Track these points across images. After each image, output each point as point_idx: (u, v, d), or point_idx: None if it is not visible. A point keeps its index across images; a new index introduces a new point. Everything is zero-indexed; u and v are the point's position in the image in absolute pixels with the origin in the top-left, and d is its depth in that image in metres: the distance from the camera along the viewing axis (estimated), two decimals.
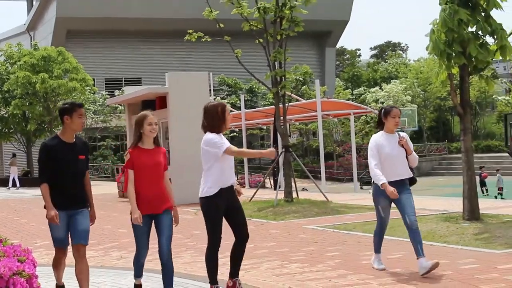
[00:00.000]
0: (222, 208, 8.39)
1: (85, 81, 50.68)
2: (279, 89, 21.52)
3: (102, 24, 68.93)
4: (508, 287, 8.47)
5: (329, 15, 72.77)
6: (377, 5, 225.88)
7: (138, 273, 8.60)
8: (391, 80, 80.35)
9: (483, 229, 13.29)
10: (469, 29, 14.49)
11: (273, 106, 23.25)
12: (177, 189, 23.02)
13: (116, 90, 60.19)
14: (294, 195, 22.23)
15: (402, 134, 9.81)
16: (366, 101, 73.26)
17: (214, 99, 43.94)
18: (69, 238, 8.06)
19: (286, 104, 22.86)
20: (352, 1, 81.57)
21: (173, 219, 8.39)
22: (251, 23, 21.62)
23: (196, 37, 22.53)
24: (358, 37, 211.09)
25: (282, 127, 22.70)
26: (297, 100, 40.08)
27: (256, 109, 47.38)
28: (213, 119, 8.41)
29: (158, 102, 26.25)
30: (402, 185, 9.54)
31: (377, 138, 9.77)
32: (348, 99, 65.06)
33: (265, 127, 54.25)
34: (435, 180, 56.05)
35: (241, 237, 8.53)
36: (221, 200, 8.35)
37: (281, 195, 21.85)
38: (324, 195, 21.90)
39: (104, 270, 11.35)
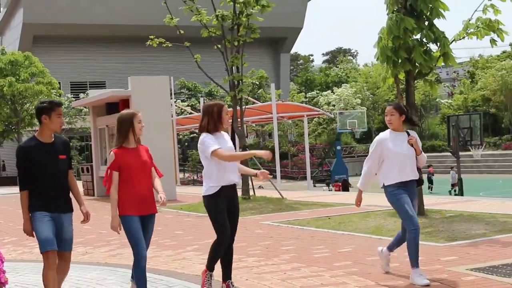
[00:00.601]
0: (224, 205, 7.96)
1: (51, 84, 50.49)
2: (237, 92, 21.55)
3: (68, 30, 68.67)
4: (450, 277, 8.56)
5: (283, 23, 73.01)
6: (329, 13, 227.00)
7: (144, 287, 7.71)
8: (342, 84, 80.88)
9: (427, 224, 13.40)
10: (414, 36, 14.62)
11: (231, 109, 23.26)
12: None
13: (81, 93, 59.96)
14: (251, 192, 22.27)
15: (411, 133, 8.64)
16: (319, 104, 73.66)
17: (175, 101, 43.82)
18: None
19: (243, 107, 22.91)
20: (305, 9, 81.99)
21: (161, 199, 7.50)
22: (209, 29, 21.62)
23: (157, 42, 22.47)
24: (311, 44, 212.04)
25: (240, 128, 22.76)
26: (254, 103, 40.15)
27: None
28: (209, 119, 7.96)
29: (121, 105, 26.10)
30: (412, 187, 8.57)
31: (382, 137, 8.63)
32: (302, 102, 65.36)
33: None
34: None
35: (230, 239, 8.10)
36: (222, 197, 7.93)
37: (239, 193, 21.82)
38: (279, 193, 21.96)
39: (71, 265, 11.23)
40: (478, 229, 12.42)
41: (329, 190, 40.10)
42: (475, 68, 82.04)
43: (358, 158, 68.83)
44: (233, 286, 8.09)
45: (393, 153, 8.37)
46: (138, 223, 7.45)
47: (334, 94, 75.51)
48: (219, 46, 21.77)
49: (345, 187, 42.56)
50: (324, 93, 78.79)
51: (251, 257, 10.91)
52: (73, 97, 59.48)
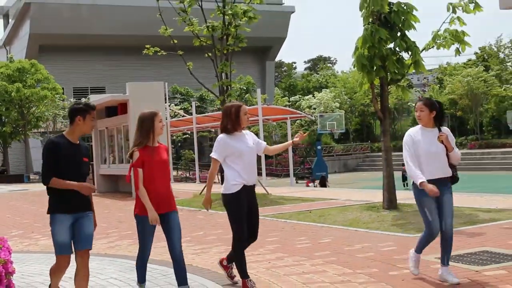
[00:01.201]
0: (243, 205, 7.50)
1: (55, 89, 50.53)
2: (226, 97, 21.55)
3: (71, 40, 68.82)
4: (421, 266, 8.57)
5: (269, 33, 73.09)
6: (310, 24, 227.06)
7: (142, 278, 7.42)
8: (322, 89, 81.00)
9: (399, 217, 13.45)
10: (388, 46, 14.67)
11: (221, 112, 23.24)
12: None
13: (83, 98, 59.61)
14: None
15: (443, 129, 7.58)
16: (301, 107, 73.70)
17: (169, 105, 43.76)
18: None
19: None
20: (289, 21, 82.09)
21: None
22: (201, 39, 21.61)
23: (153, 51, 22.44)
24: (294, 52, 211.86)
25: None
26: None
27: (206, 114, 47.36)
28: (226, 120, 7.51)
29: (119, 108, 26.20)
30: (444, 185, 7.47)
31: (413, 133, 7.60)
32: (285, 106, 65.41)
33: (213, 130, 54.16)
34: (359, 175, 56.61)
35: (251, 238, 7.75)
36: (243, 196, 7.46)
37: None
38: (264, 189, 21.97)
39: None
40: None
41: (314, 186, 40.15)
42: (443, 74, 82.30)
43: (337, 157, 69.07)
44: (231, 270, 8.00)
45: (422, 150, 7.41)
46: (153, 225, 7.06)
47: (315, 98, 75.62)
48: (210, 54, 21.80)
49: (323, 183, 42.60)
50: (306, 97, 78.84)
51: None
52: (75, 101, 59.32)
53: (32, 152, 60.45)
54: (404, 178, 42.35)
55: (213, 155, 7.47)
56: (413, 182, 7.55)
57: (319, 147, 54.42)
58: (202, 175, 40.83)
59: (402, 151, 7.68)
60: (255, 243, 7.76)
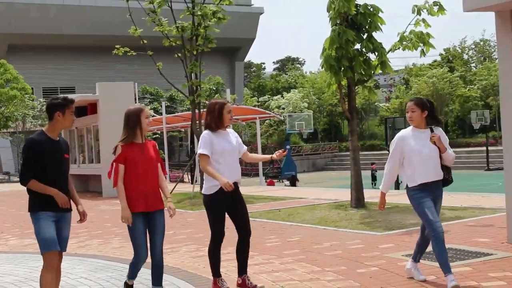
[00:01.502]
0: (223, 204, 7.28)
1: (24, 89, 50.04)
2: (195, 97, 21.55)
3: (40, 40, 68.23)
4: (387, 263, 8.65)
5: (238, 34, 73.12)
6: (279, 25, 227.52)
7: (133, 275, 7.18)
8: (291, 90, 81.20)
9: (367, 215, 13.52)
10: (355, 47, 14.74)
11: (190, 112, 23.23)
12: (107, 183, 22.91)
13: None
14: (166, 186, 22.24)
15: (436, 129, 7.20)
16: (270, 107, 73.81)
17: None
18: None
19: (201, 110, 22.87)
20: (258, 22, 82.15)
21: (170, 211, 6.95)
22: (170, 39, 21.57)
23: (122, 51, 22.36)
24: (263, 53, 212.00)
25: (198, 129, 22.69)
26: None
27: (176, 114, 47.20)
28: (210, 117, 7.30)
29: (89, 108, 26.05)
30: (437, 188, 7.19)
31: (403, 135, 7.26)
32: (255, 106, 65.51)
33: (183, 130, 54.00)
34: (328, 174, 56.78)
35: (244, 233, 7.56)
36: (222, 196, 7.18)
37: (197, 188, 21.81)
38: None
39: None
40: (412, 219, 12.54)
41: (285, 186, 40.22)
42: (410, 75, 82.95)
43: (306, 157, 69.25)
44: (249, 280, 7.55)
45: (415, 152, 7.03)
46: (142, 223, 6.78)
47: (283, 98, 75.82)
48: (179, 54, 21.76)
49: (293, 183, 42.69)
50: (275, 97, 79.02)
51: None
52: (45, 101, 58.56)
53: (0, 152, 59.80)
54: (373, 178, 42.55)
55: (201, 151, 7.22)
56: (406, 185, 7.27)
57: (287, 147, 54.49)
58: (172, 174, 40.73)
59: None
60: (224, 242, 7.72)
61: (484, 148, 53.81)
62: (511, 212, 9.59)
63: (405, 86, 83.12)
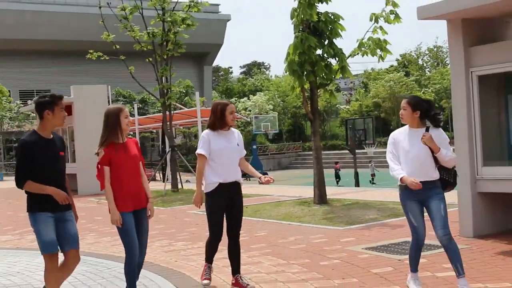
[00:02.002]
0: (222, 203, 7.04)
1: (1, 92, 49.58)
2: (166, 99, 21.50)
3: (17, 45, 67.70)
4: (348, 256, 8.70)
5: (206, 39, 73.06)
6: (245, 31, 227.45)
7: (133, 284, 6.46)
8: (257, 92, 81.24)
9: (329, 211, 13.57)
10: (317, 52, 14.79)
11: (162, 113, 23.15)
12: (82, 181, 22.78)
13: (29, 100, 58.60)
14: (180, 186, 22.20)
15: (432, 130, 6.55)
16: (237, 109, 73.69)
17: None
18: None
19: (172, 112, 22.82)
20: (225, 28, 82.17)
21: (148, 211, 6.66)
22: (142, 45, 21.49)
23: (96, 56, 22.22)
24: (230, 57, 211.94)
25: (169, 130, 22.67)
26: (181, 108, 39.94)
27: (147, 116, 46.98)
28: (212, 117, 7.03)
29: (65, 111, 25.73)
30: (431, 189, 6.49)
31: (396, 133, 6.76)
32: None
33: (155, 131, 53.76)
34: (292, 172, 56.89)
35: (232, 234, 7.27)
36: (220, 195, 6.98)
37: (168, 186, 21.77)
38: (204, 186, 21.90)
39: (20, 251, 11.02)
40: (371, 214, 12.64)
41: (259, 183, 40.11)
42: (368, 79, 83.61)
43: (271, 156, 69.33)
44: (242, 279, 7.22)
45: (403, 151, 6.54)
46: (131, 220, 6.37)
47: (250, 101, 75.81)
48: (150, 59, 21.72)
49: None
50: (242, 100, 78.95)
51: (180, 241, 10.87)
52: (22, 104, 58.05)
53: None
54: (337, 176, 42.74)
55: (199, 151, 7.00)
56: (399, 185, 6.72)
57: (254, 147, 54.65)
58: (145, 173, 40.49)
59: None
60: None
61: None
62: (462, 208, 9.73)
63: (364, 89, 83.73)
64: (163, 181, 25.43)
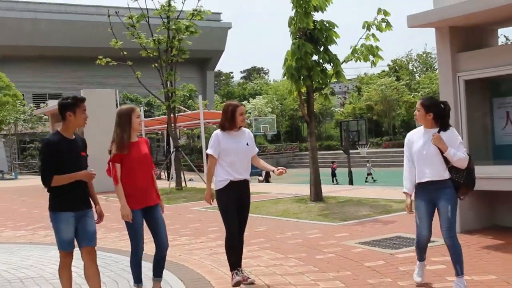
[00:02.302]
0: (233, 200, 6.86)
1: (16, 96, 49.58)
2: (171, 102, 21.52)
3: (31, 51, 67.85)
4: (343, 250, 8.70)
5: (209, 46, 73.00)
6: (246, 38, 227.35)
7: (138, 279, 6.44)
8: (256, 96, 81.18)
9: (325, 208, 13.57)
10: (313, 58, 14.80)
11: (166, 116, 23.16)
12: (93, 183, 22.74)
13: (41, 103, 58.57)
14: (183, 184, 22.20)
15: (447, 131, 6.27)
16: None
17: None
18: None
19: (176, 114, 22.81)
20: (226, 35, 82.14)
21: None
22: (148, 51, 21.49)
23: (105, 61, 22.21)
24: (231, 63, 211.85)
25: (174, 132, 22.68)
26: (185, 111, 39.92)
27: (153, 118, 46.94)
28: (223, 117, 6.91)
29: None
30: (440, 189, 6.19)
31: (411, 134, 6.56)
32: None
33: (160, 132, 53.72)
34: (290, 171, 56.58)
35: (238, 231, 7.04)
36: (231, 192, 6.82)
37: (173, 184, 21.80)
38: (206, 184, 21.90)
39: (33, 245, 11.01)
40: (364, 211, 12.64)
41: (258, 181, 40.15)
42: (361, 83, 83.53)
43: (270, 156, 69.16)
44: (242, 272, 7.02)
45: (415, 151, 6.33)
46: (140, 217, 6.28)
47: (250, 104, 75.75)
48: (156, 64, 21.73)
49: (267, 179, 42.66)
50: (242, 103, 78.90)
51: (183, 236, 10.86)
52: (35, 107, 58.07)
53: None
54: (334, 175, 42.68)
55: (208, 151, 6.89)
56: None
57: None
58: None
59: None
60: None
61: None
62: None
63: (357, 93, 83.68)
64: (168, 180, 25.44)
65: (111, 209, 15.50)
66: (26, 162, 57.60)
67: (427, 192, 6.22)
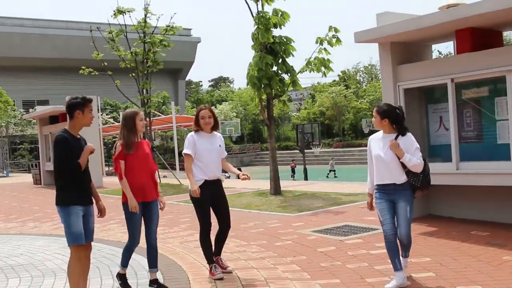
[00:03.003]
0: (207, 197, 6.55)
1: (7, 102, 48.84)
2: (146, 108, 21.34)
3: (21, 62, 67.16)
4: (299, 237, 8.73)
5: (180, 58, 72.70)
6: (213, 51, 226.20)
7: (125, 263, 6.34)
8: (223, 102, 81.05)
9: (283, 200, 13.61)
10: (273, 69, 14.82)
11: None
12: None
13: (30, 109, 57.60)
14: (158, 180, 22.04)
15: (404, 137, 5.91)
16: None
17: (101, 115, 42.72)
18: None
19: (152, 118, 22.63)
20: (196, 49, 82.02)
21: (160, 204, 6.43)
22: (126, 62, 21.31)
23: (88, 71, 21.95)
24: (200, 73, 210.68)
25: (149, 134, 22.49)
26: (159, 115, 39.73)
27: None
28: (194, 120, 6.70)
29: (61, 117, 25.47)
30: (399, 191, 5.84)
31: (371, 138, 6.16)
32: (194, 115, 65.09)
33: None
34: (252, 169, 56.79)
35: (224, 226, 6.82)
36: (206, 190, 6.51)
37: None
38: (178, 180, 21.79)
39: (23, 236, 10.82)
40: (317, 203, 12.71)
41: (225, 178, 39.95)
42: (315, 91, 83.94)
43: (235, 155, 69.08)
44: (221, 261, 6.82)
45: (374, 155, 5.97)
46: (140, 212, 6.14)
47: (217, 109, 75.55)
48: (133, 74, 21.55)
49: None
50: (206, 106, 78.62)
51: (158, 227, 10.75)
52: (24, 111, 57.03)
53: None
54: (293, 171, 42.58)
55: (185, 151, 6.60)
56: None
57: None
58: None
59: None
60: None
61: None
62: None
63: (311, 100, 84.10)
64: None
65: (104, 203, 15.31)
66: (17, 161, 56.79)
67: (386, 193, 5.88)
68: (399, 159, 5.79)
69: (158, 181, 6.63)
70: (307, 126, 44.66)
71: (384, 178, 5.88)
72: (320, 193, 14.68)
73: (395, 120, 5.90)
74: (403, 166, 5.82)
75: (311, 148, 47.60)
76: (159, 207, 6.39)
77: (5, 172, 46.57)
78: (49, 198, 18.32)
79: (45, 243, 9.72)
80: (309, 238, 8.61)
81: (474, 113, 8.96)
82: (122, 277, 6.34)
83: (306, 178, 35.85)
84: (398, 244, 5.87)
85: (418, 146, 5.88)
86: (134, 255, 8.01)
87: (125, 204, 6.15)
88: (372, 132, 64.49)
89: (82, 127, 5.58)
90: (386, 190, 5.89)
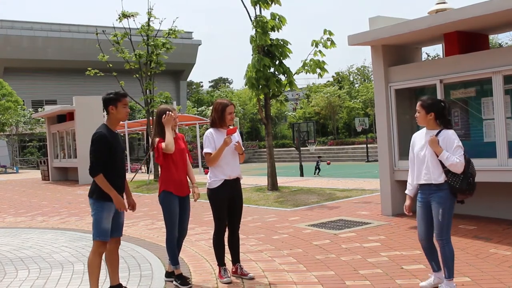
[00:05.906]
0: (225, 197, 6.01)
1: (17, 102, 48.76)
2: (149, 107, 21.36)
3: (30, 63, 67.07)
4: (295, 231, 8.72)
5: (182, 59, 72.83)
6: (213, 53, 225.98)
7: (176, 260, 5.99)
8: None
9: (280, 196, 13.60)
10: (270, 70, 14.81)
11: (146, 119, 22.94)
12: (82, 173, 22.43)
13: (39, 108, 57.62)
14: (152, 177, 22.05)
15: (443, 132, 5.18)
16: (207, 115, 73.34)
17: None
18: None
19: (154, 117, 22.61)
20: (197, 51, 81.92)
21: (195, 195, 6.10)
22: (130, 64, 21.29)
23: (93, 72, 21.95)
24: (201, 74, 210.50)
25: (151, 132, 22.44)
26: None
27: (135, 120, 46.53)
28: (214, 114, 6.08)
29: (68, 116, 25.51)
30: (434, 192, 5.16)
31: (415, 135, 5.47)
32: (195, 114, 65.16)
33: (141, 132, 53.25)
34: (251, 165, 56.92)
35: (232, 228, 6.22)
36: (224, 190, 5.99)
37: (151, 176, 21.59)
38: None
39: (32, 229, 10.80)
40: (313, 198, 12.70)
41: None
42: (310, 91, 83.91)
43: None
44: (241, 268, 6.21)
45: (415, 153, 5.33)
46: (177, 206, 5.91)
47: None
48: (137, 75, 21.55)
49: None
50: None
51: (160, 221, 10.72)
52: (33, 111, 57.03)
53: None
54: (318, 168, 41.99)
55: (206, 150, 5.99)
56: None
57: None
58: (133, 166, 40.16)
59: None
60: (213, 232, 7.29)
61: (365, 146, 54.80)
62: (383, 193, 9.83)
63: (307, 99, 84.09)
64: (147, 173, 25.16)
65: None
66: (26, 158, 56.78)
67: (424, 194, 5.27)
68: (437, 156, 5.14)
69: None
70: (303, 124, 44.58)
71: (421, 177, 5.25)
72: (315, 189, 14.67)
73: (441, 114, 5.22)
74: (443, 165, 5.14)
75: (306, 146, 47.58)
76: (195, 195, 6.12)
77: (14, 168, 46.57)
78: (57, 194, 18.27)
79: (53, 236, 9.70)
80: (304, 232, 8.59)
81: (462, 113, 8.96)
82: (179, 277, 5.94)
83: (302, 175, 35.84)
84: (436, 246, 5.28)
85: (460, 144, 5.14)
86: (136, 248, 8.03)
87: (164, 192, 5.92)
88: (365, 130, 64.27)
89: (119, 122, 5.36)
90: (423, 191, 5.27)
